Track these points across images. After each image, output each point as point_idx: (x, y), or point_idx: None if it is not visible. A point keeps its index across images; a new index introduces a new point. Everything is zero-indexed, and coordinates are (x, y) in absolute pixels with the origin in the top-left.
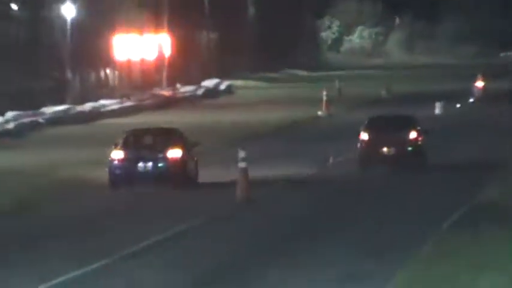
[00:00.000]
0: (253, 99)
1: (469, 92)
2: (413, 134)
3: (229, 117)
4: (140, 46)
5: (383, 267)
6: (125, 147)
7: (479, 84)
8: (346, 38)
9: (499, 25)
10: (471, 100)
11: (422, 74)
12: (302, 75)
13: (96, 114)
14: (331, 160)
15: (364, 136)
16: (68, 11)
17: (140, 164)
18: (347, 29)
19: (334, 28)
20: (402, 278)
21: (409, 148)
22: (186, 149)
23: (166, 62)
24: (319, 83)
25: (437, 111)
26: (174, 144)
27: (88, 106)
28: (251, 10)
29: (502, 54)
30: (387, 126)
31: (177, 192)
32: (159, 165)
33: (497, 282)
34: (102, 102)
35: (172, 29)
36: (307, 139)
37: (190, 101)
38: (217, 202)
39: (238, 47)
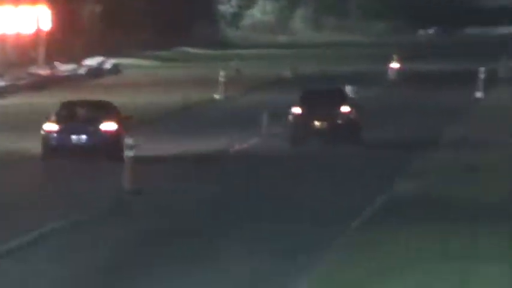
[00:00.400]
0: (142, 79)
1: (384, 73)
2: (345, 108)
3: (115, 99)
4: (15, 19)
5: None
6: (58, 119)
7: (394, 65)
8: (247, 12)
9: (415, 0)
10: (386, 83)
11: (331, 54)
12: (198, 53)
13: None
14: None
15: (296, 110)
16: None
17: (74, 137)
18: (248, 3)
19: (234, 1)
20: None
21: (341, 122)
22: (120, 123)
23: (44, 37)
24: (216, 62)
25: (350, 93)
26: (108, 118)
27: None
28: None
29: (420, 32)
30: (320, 100)
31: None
32: (93, 138)
33: None
34: None
35: (52, 0)
36: (200, 124)
37: (71, 81)
38: (105, 192)
39: (126, 22)
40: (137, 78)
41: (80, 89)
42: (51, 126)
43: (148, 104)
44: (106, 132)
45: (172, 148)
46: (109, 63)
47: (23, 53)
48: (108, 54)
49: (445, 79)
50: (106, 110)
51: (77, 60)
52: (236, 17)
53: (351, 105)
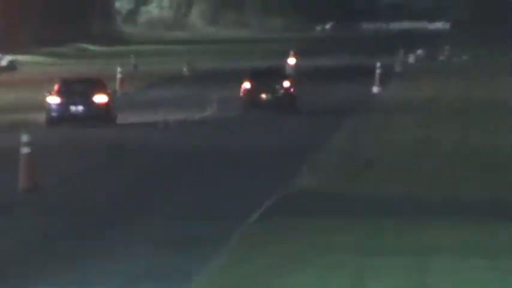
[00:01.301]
0: (39, 76)
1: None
2: (286, 83)
3: (12, 97)
4: None
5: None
6: (59, 93)
7: (291, 61)
8: (143, 8)
9: None
10: None
11: (229, 49)
12: (94, 49)
13: None
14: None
15: (246, 85)
16: None
17: (72, 107)
18: None
19: None
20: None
21: (283, 94)
22: (110, 95)
23: None
24: (113, 59)
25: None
26: (99, 91)
27: None
28: None
29: (318, 28)
30: (265, 77)
31: None
32: (88, 107)
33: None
34: None
35: None
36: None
37: None
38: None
39: (20, 17)
40: (34, 75)
41: None
42: (53, 99)
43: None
44: (99, 103)
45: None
46: (5, 60)
47: None
48: (2, 50)
49: (342, 74)
50: (97, 85)
51: None
52: (133, 13)
53: (289, 81)
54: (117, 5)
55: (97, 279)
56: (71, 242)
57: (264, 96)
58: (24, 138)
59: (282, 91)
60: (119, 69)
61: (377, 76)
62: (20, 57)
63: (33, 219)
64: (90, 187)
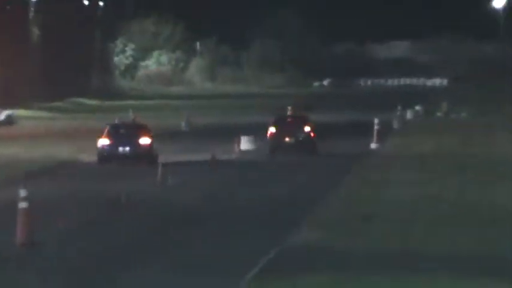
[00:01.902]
0: (37, 131)
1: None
2: (307, 128)
3: (10, 150)
4: None
5: None
6: (109, 136)
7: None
8: (141, 63)
9: (312, 53)
10: None
11: (226, 105)
12: (92, 104)
13: None
14: (123, 199)
15: (272, 129)
16: None
17: (120, 148)
18: (143, 54)
19: (128, 52)
20: None
21: (304, 138)
22: (152, 138)
23: None
24: (111, 113)
25: (243, 146)
26: (143, 134)
27: None
28: (35, 32)
29: (315, 84)
30: (289, 123)
31: None
32: (134, 149)
33: None
34: None
35: None
36: (95, 177)
37: None
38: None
39: (20, 73)
40: (32, 129)
41: None
42: (103, 141)
43: (44, 156)
44: (143, 144)
45: (67, 196)
46: (3, 114)
47: None
48: (3, 105)
49: (340, 130)
50: (142, 129)
51: None
52: (131, 68)
53: (311, 127)
54: (116, 59)
55: None
56: None
57: (287, 139)
58: (22, 192)
59: (304, 135)
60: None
61: (375, 132)
62: (18, 112)
63: (25, 276)
64: (90, 241)
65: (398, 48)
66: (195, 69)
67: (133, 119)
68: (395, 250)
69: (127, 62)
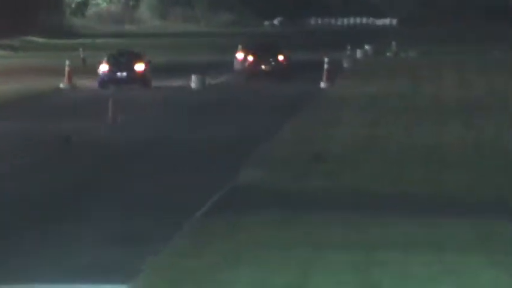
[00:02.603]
0: None
1: (229, 64)
2: (281, 57)
3: None
4: None
5: None
6: (108, 62)
7: (239, 55)
8: (92, 1)
9: None
10: (231, 73)
11: (177, 44)
12: (42, 42)
13: None
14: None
15: (249, 58)
16: None
17: (118, 73)
18: None
19: None
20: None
21: (278, 65)
22: (146, 64)
23: None
24: (62, 52)
25: (193, 85)
26: (138, 61)
27: None
28: None
29: (266, 23)
30: (264, 51)
31: None
32: (130, 73)
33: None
34: None
35: None
36: (44, 114)
37: None
38: None
39: None
40: None
41: None
42: (104, 67)
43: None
44: (138, 70)
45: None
46: None
47: None
48: None
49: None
50: (137, 56)
51: None
52: (82, 6)
53: (284, 54)
54: None
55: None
56: None
57: (263, 67)
58: None
59: (278, 63)
60: (67, 62)
61: (325, 71)
62: None
63: None
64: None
65: None
66: (146, 7)
67: (83, 58)
68: (345, 188)
69: (78, 0)
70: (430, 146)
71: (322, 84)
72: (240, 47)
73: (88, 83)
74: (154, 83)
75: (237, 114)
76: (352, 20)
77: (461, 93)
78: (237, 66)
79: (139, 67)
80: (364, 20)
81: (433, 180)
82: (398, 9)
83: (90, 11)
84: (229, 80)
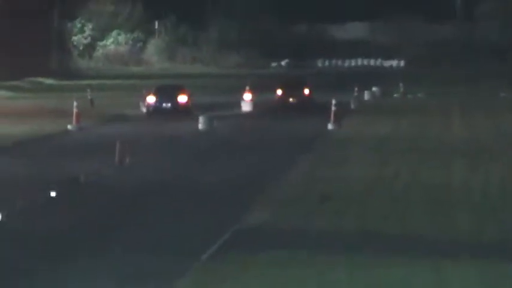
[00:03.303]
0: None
1: (236, 105)
2: (306, 91)
3: None
4: None
5: None
6: (155, 94)
7: (247, 96)
8: (100, 43)
9: (269, 33)
10: (239, 113)
11: (185, 84)
12: (50, 83)
13: None
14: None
15: (278, 92)
16: None
17: (164, 104)
18: (101, 34)
19: (87, 32)
20: None
21: (303, 99)
22: (189, 96)
23: None
24: (70, 93)
25: (200, 126)
26: (182, 93)
27: None
28: None
29: (273, 64)
30: (292, 86)
31: None
32: (175, 105)
33: None
34: None
35: None
36: (52, 156)
37: None
38: None
39: None
40: None
41: None
42: (151, 99)
43: (6, 133)
44: (181, 101)
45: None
46: None
47: None
48: None
49: (297, 110)
50: (180, 89)
51: None
52: (89, 48)
53: (309, 89)
54: (74, 39)
55: None
56: None
57: (291, 99)
58: None
59: (303, 96)
60: (75, 103)
61: (332, 113)
62: None
63: None
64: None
65: (356, 30)
66: (153, 49)
67: (91, 100)
68: (351, 228)
69: (85, 41)
70: (436, 186)
71: (330, 126)
72: (247, 88)
73: (96, 124)
74: (163, 125)
75: (244, 155)
76: (359, 62)
77: (468, 135)
78: (244, 107)
79: (183, 99)
80: (372, 62)
81: (438, 221)
82: (406, 51)
83: (98, 52)
84: (237, 120)
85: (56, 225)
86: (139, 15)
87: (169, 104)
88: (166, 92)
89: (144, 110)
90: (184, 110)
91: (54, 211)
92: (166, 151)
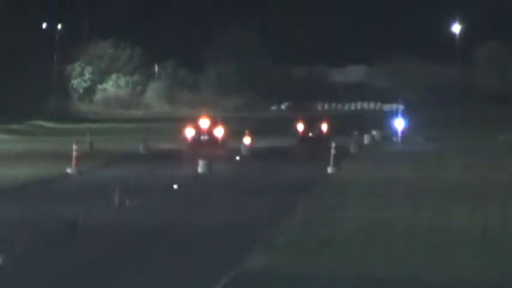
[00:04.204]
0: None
1: (236, 150)
2: (324, 127)
3: None
4: None
5: None
6: (194, 128)
7: (246, 140)
8: (100, 86)
9: (267, 75)
10: (237, 158)
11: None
12: (49, 127)
13: None
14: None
15: (299, 127)
16: None
17: (202, 137)
18: (101, 77)
19: (87, 75)
20: None
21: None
22: (224, 130)
23: None
24: (69, 136)
25: (200, 170)
26: (217, 126)
27: None
28: None
29: (273, 108)
30: (312, 122)
31: None
32: (211, 138)
33: None
34: None
35: None
36: (52, 199)
37: None
38: None
39: None
40: None
41: None
42: (190, 132)
43: (4, 176)
44: (216, 135)
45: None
46: None
47: None
48: None
49: (296, 154)
50: (216, 122)
51: None
52: (89, 91)
53: (327, 125)
54: (74, 82)
55: None
56: None
57: (311, 134)
58: None
59: (320, 132)
60: (74, 147)
61: (332, 156)
62: None
63: None
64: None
65: (356, 73)
66: (153, 92)
67: (91, 143)
68: (350, 273)
69: (85, 85)
70: (436, 229)
71: (329, 169)
72: (246, 131)
73: (95, 168)
74: (160, 168)
75: (244, 198)
76: (359, 105)
77: (467, 178)
78: (243, 151)
79: (219, 132)
80: (372, 105)
81: (439, 265)
82: (405, 95)
83: (98, 96)
84: (237, 164)
85: (55, 269)
86: (138, 59)
87: (206, 137)
88: (204, 126)
89: (184, 143)
90: (220, 142)
91: (53, 255)
92: (166, 194)
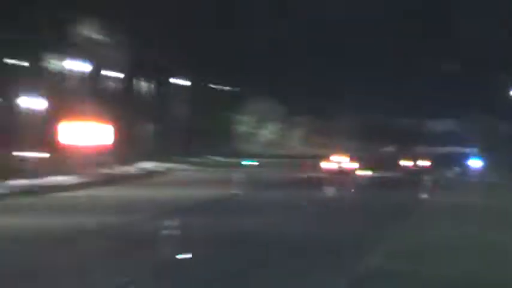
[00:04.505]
0: (184, 179)
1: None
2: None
3: (154, 193)
4: (90, 133)
5: None
6: (326, 160)
7: (361, 172)
8: (258, 132)
9: (379, 126)
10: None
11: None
12: (220, 160)
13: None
14: None
15: (405, 163)
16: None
17: (335, 166)
18: (260, 125)
19: (248, 124)
20: None
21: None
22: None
23: (109, 147)
24: (234, 166)
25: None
26: (350, 159)
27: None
28: (181, 107)
29: (382, 149)
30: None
31: None
32: (343, 167)
33: None
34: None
35: (115, 119)
36: (226, 212)
37: (129, 179)
38: None
39: (169, 136)
40: (178, 178)
41: (136, 185)
42: (325, 164)
43: (187, 197)
44: (347, 166)
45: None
46: (157, 166)
47: (93, 158)
48: (155, 159)
49: (403, 183)
50: (349, 158)
51: (130, 163)
52: (251, 136)
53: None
54: (239, 129)
55: None
56: None
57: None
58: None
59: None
60: (237, 175)
61: (427, 185)
62: (168, 165)
63: None
64: None
65: (447, 124)
66: (296, 137)
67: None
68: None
69: (247, 130)
70: None
71: (423, 195)
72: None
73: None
74: (300, 191)
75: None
76: (447, 149)
77: None
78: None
79: (349, 165)
80: (457, 149)
81: None
82: (482, 141)
83: (256, 139)
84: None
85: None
86: (284, 113)
87: (336, 167)
88: (337, 158)
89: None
90: (350, 172)
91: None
92: (316, 209)
